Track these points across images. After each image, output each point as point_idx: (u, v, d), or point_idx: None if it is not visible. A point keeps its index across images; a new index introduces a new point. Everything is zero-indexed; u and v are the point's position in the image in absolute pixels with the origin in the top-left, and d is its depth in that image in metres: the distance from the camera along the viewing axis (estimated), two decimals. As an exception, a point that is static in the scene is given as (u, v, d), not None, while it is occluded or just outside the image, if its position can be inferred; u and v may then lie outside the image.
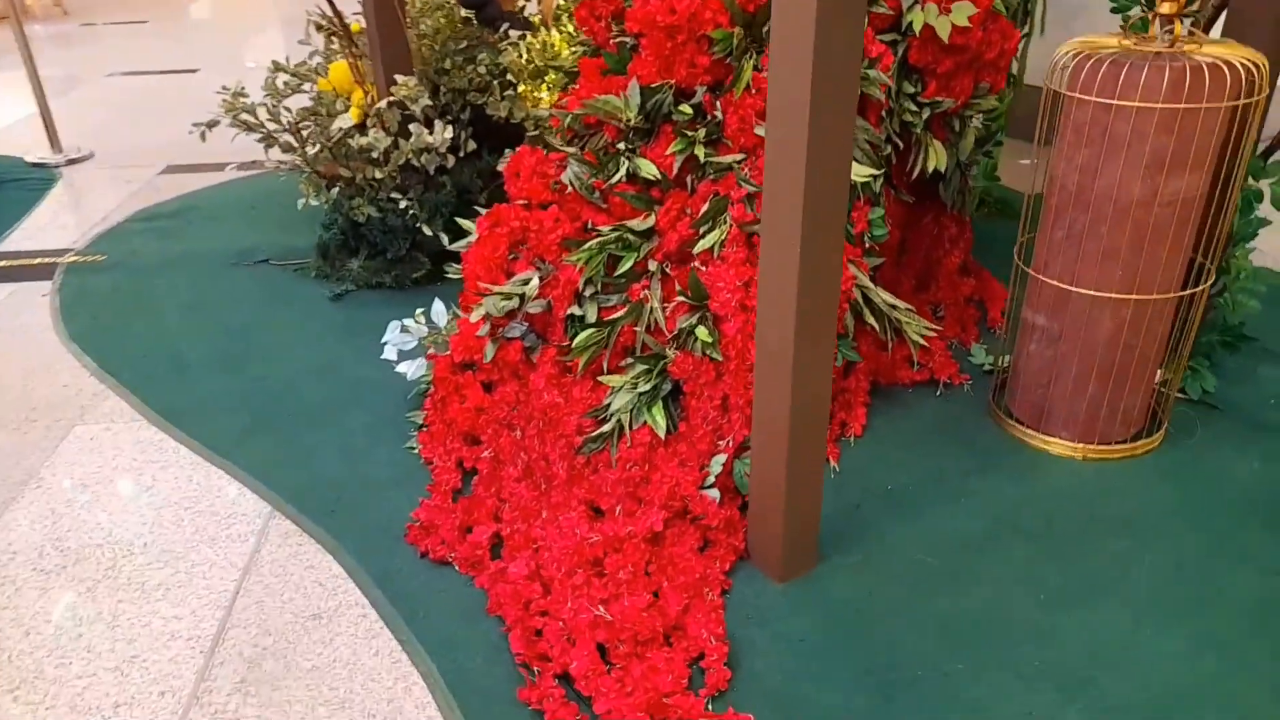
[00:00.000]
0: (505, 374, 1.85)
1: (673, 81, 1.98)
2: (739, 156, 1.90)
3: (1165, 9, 1.55)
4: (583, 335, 1.79)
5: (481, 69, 2.58)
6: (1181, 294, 1.70)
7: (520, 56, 2.74)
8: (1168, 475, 1.76)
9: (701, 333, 1.71)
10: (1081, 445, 1.81)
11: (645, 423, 1.69)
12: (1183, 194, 1.59)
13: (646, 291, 1.83)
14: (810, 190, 1.22)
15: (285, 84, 2.78)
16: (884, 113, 1.96)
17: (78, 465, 1.89)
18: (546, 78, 2.78)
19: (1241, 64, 1.50)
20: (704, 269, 1.80)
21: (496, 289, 1.87)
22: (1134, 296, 1.67)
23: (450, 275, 2.23)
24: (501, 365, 1.84)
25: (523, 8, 3.23)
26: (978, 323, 2.32)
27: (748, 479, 1.65)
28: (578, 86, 2.50)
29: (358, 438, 1.95)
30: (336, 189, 2.48)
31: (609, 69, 2.15)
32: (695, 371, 1.71)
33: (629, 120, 1.96)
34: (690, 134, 1.92)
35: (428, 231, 2.50)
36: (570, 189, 1.97)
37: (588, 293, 1.87)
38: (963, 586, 1.51)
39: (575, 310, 1.85)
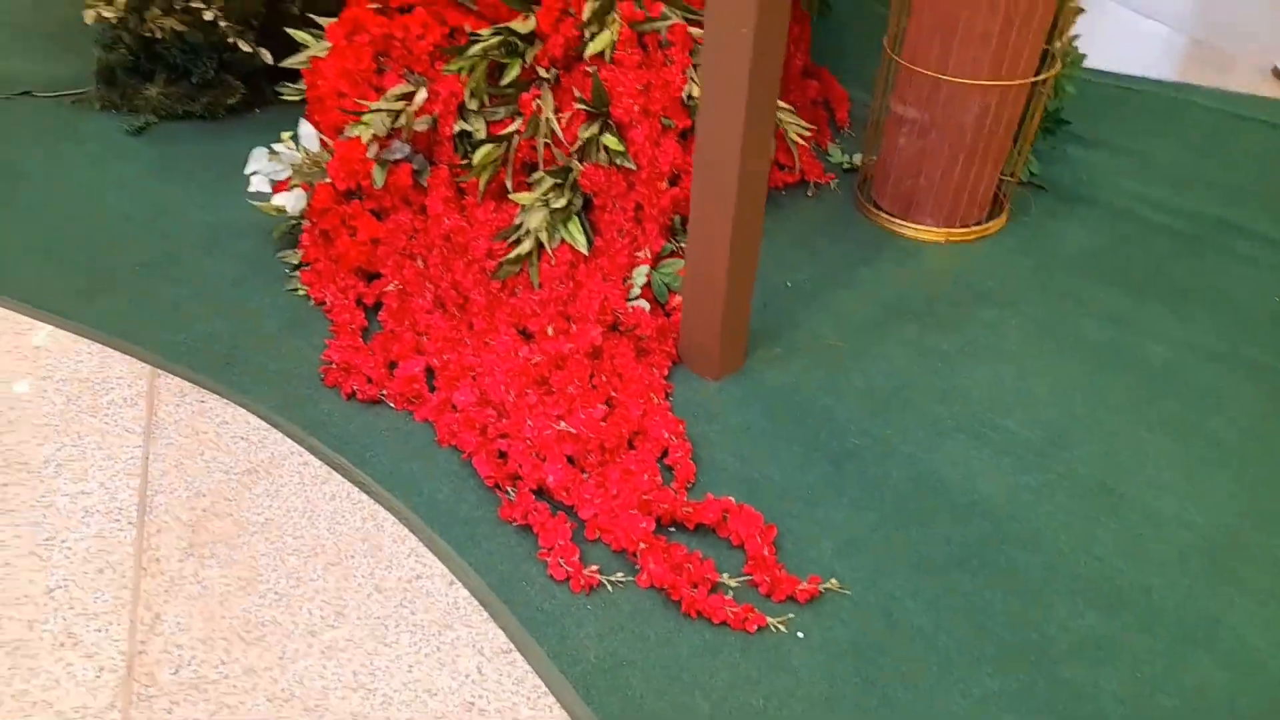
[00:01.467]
0: (396, 200, 1.71)
1: None
2: (617, -51, 1.80)
3: None
4: (481, 152, 1.68)
5: None
6: (1036, 79, 1.85)
7: None
8: (1017, 250, 1.98)
9: (610, 141, 1.66)
10: (945, 230, 1.99)
11: (563, 240, 1.65)
12: (1047, -18, 1.70)
13: (539, 101, 1.73)
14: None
15: None
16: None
17: (-124, 346, 1.58)
18: None
19: None
20: (594, 72, 1.72)
21: (374, 106, 1.70)
22: (1000, 82, 1.80)
23: (286, 97, 1.99)
24: (392, 191, 1.70)
25: None
26: (828, 124, 2.41)
27: (667, 287, 1.68)
28: None
29: (225, 287, 1.75)
30: (123, -3, 2.09)
31: None
32: (607, 183, 1.67)
33: (492, -91, 1.78)
34: (564, -76, 1.78)
35: (245, 48, 2.19)
36: (435, -11, 1.79)
37: (473, 106, 1.74)
38: (872, 363, 1.65)
39: (463, 125, 1.73)
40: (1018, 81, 1.81)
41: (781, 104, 1.97)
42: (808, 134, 2.03)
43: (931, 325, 1.76)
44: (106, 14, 2.08)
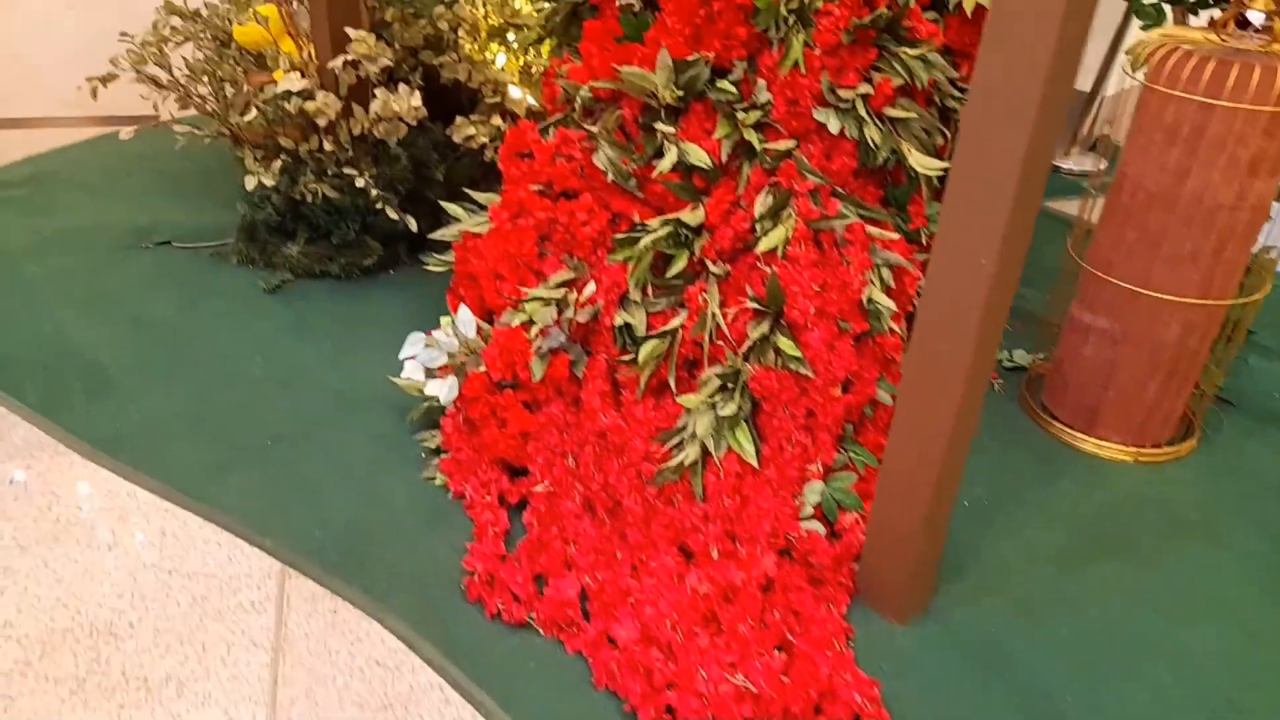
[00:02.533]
0: (550, 392, 1.61)
1: (710, 55, 1.77)
2: (791, 143, 1.73)
3: (1259, 5, 1.51)
4: (647, 348, 1.58)
5: (443, 24, 2.25)
6: (1247, 300, 1.70)
7: (477, 10, 2.42)
8: (1216, 475, 1.78)
9: (785, 344, 1.54)
10: (1134, 448, 1.80)
11: (729, 449, 1.51)
12: (1263, 197, 1.57)
13: (704, 295, 1.64)
14: (1024, 181, 1.07)
15: (173, 30, 2.32)
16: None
17: (2, 519, 1.49)
18: (509, 37, 2.48)
19: (1335, 70, 1.48)
20: (768, 270, 1.63)
21: (534, 293, 1.62)
22: (1209, 301, 1.65)
23: (432, 268, 1.94)
24: (547, 383, 1.59)
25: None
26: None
27: (839, 504, 1.52)
28: (562, 54, 2.25)
29: (359, 466, 1.65)
30: (280, 163, 2.10)
31: (624, 35, 1.91)
32: (778, 387, 1.54)
33: (664, 97, 1.74)
34: (739, 115, 1.72)
35: (392, 215, 2.17)
36: (605, 175, 1.73)
37: (635, 297, 1.65)
38: (1076, 607, 1.45)
39: (624, 317, 1.63)
40: (1228, 302, 1.66)
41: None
42: (978, 335, 1.89)
43: (1136, 563, 1.55)
44: (267, 181, 2.08)
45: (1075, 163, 3.34)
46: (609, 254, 1.68)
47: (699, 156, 1.68)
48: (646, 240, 1.63)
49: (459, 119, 2.35)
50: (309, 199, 2.14)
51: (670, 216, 1.67)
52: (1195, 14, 2.14)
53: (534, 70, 2.50)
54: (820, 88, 1.72)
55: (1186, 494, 1.72)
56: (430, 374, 1.61)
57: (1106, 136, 3.54)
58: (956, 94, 1.84)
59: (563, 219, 1.71)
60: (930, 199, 1.80)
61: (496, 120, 2.38)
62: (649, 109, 1.81)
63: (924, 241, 1.84)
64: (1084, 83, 3.23)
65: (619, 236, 1.68)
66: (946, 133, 1.87)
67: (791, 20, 1.75)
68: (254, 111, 2.04)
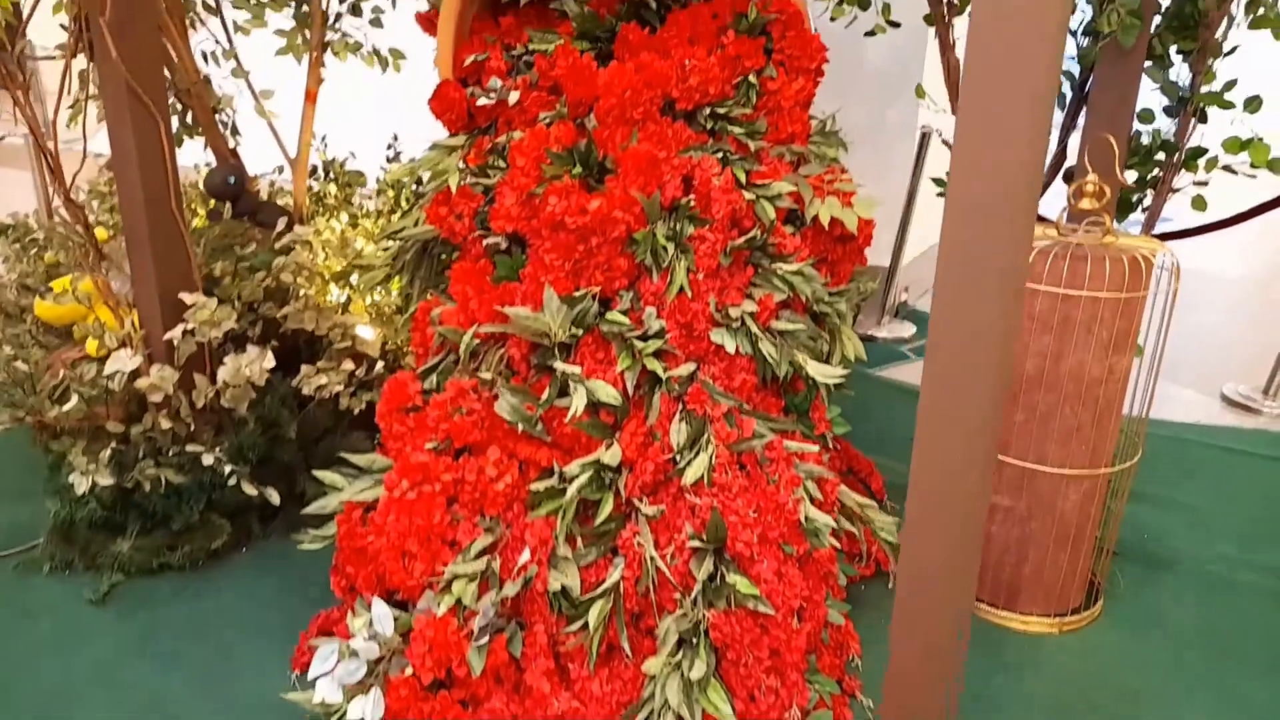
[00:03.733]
0: (489, 684, 1.40)
1: (597, 289, 1.75)
2: (692, 366, 1.71)
3: (1085, 205, 1.69)
4: (595, 610, 1.43)
5: (286, 275, 2.10)
6: (1130, 464, 1.81)
7: (315, 256, 2.30)
8: (1134, 636, 1.83)
9: (741, 583, 1.44)
10: (1056, 619, 1.83)
11: (704, 712, 1.37)
12: (1125, 369, 1.71)
13: (639, 539, 1.53)
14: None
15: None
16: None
17: None
18: (353, 279, 2.36)
19: (1151, 255, 1.67)
20: (699, 502, 1.55)
21: (454, 568, 1.44)
22: (1101, 471, 1.74)
23: (306, 545, 1.71)
24: (486, 673, 1.39)
25: (271, 195, 2.77)
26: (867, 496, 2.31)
27: (825, 749, 1.40)
28: (415, 293, 2.17)
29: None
30: (109, 451, 1.81)
31: (499, 275, 1.86)
32: (740, 632, 1.43)
33: (558, 336, 1.68)
34: (637, 345, 1.69)
35: (248, 490, 1.92)
36: (509, 423, 1.62)
37: (563, 552, 1.52)
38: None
39: (557, 578, 1.48)
40: (1118, 468, 1.77)
41: (864, 499, 1.85)
42: (895, 529, 1.90)
43: (1108, 748, 1.53)
44: (102, 479, 1.78)
45: (889, 330, 3.59)
46: (529, 509, 1.54)
47: (608, 393, 1.62)
48: (572, 489, 1.52)
49: (305, 368, 2.17)
50: (145, 486, 1.85)
51: (588, 459, 1.57)
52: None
53: (383, 308, 2.38)
54: (710, 310, 1.74)
55: (1121, 662, 1.75)
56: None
57: (905, 302, 3.88)
58: (827, 299, 1.91)
59: (470, 478, 1.57)
60: (829, 402, 1.83)
61: (348, 364, 2.22)
62: (540, 348, 1.74)
63: (830, 445, 1.85)
64: (881, 258, 3.53)
65: (536, 488, 1.56)
66: (827, 338, 1.93)
67: (670, 248, 1.77)
68: (74, 399, 1.77)
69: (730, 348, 1.71)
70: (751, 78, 2.06)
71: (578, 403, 1.59)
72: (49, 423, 1.85)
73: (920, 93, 2.28)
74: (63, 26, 2.23)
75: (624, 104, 1.99)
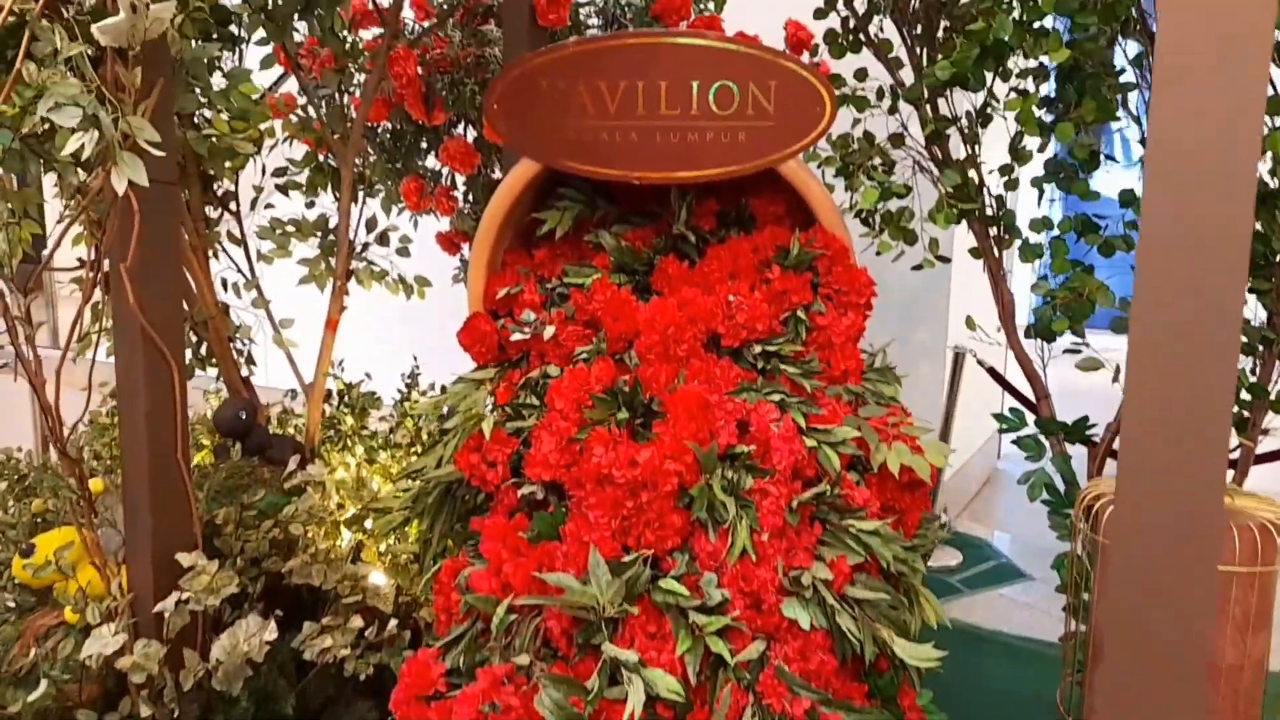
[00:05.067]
0: None
1: (650, 551, 1.56)
2: (761, 645, 1.49)
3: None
4: None
5: (295, 527, 1.91)
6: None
7: (326, 500, 2.11)
8: None
9: None
10: None
11: None
12: (1263, 649, 1.49)
13: None
14: None
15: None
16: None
17: None
18: (368, 524, 2.17)
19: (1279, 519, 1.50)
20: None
21: None
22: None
23: None
24: None
25: (281, 421, 2.62)
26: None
27: None
28: (436, 541, 1.97)
29: None
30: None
31: (538, 534, 1.67)
32: None
33: (608, 610, 1.47)
34: (698, 620, 1.47)
35: (236, 790, 1.63)
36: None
37: None
38: None
39: None
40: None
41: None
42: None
43: None
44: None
45: (934, 559, 3.36)
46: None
47: (669, 686, 1.38)
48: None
49: (308, 626, 1.93)
50: (113, 789, 1.57)
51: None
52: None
53: (398, 555, 2.17)
54: (780, 578, 1.53)
55: None
56: None
57: (946, 524, 3.66)
58: (906, 562, 1.71)
59: (507, 798, 1.30)
60: (921, 688, 1.59)
61: (356, 621, 1.98)
62: (583, 622, 1.52)
63: (924, 738, 1.59)
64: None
65: (588, 814, 1.29)
66: (905, 602, 1.72)
67: (730, 504, 1.59)
68: (43, 685, 1.52)
69: (804, 623, 1.50)
70: (800, 313, 1.97)
71: (634, 700, 1.35)
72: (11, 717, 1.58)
73: (970, 324, 2.19)
74: (80, 261, 2.16)
75: (667, 340, 1.88)
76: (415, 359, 3.01)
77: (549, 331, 2.03)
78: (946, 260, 2.10)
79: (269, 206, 2.53)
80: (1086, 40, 1.84)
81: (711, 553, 1.57)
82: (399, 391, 2.93)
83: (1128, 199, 2.01)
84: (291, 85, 3.08)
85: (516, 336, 2.05)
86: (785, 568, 1.56)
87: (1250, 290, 1.84)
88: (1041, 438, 2.05)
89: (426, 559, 2.07)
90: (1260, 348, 1.81)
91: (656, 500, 1.59)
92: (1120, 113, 1.91)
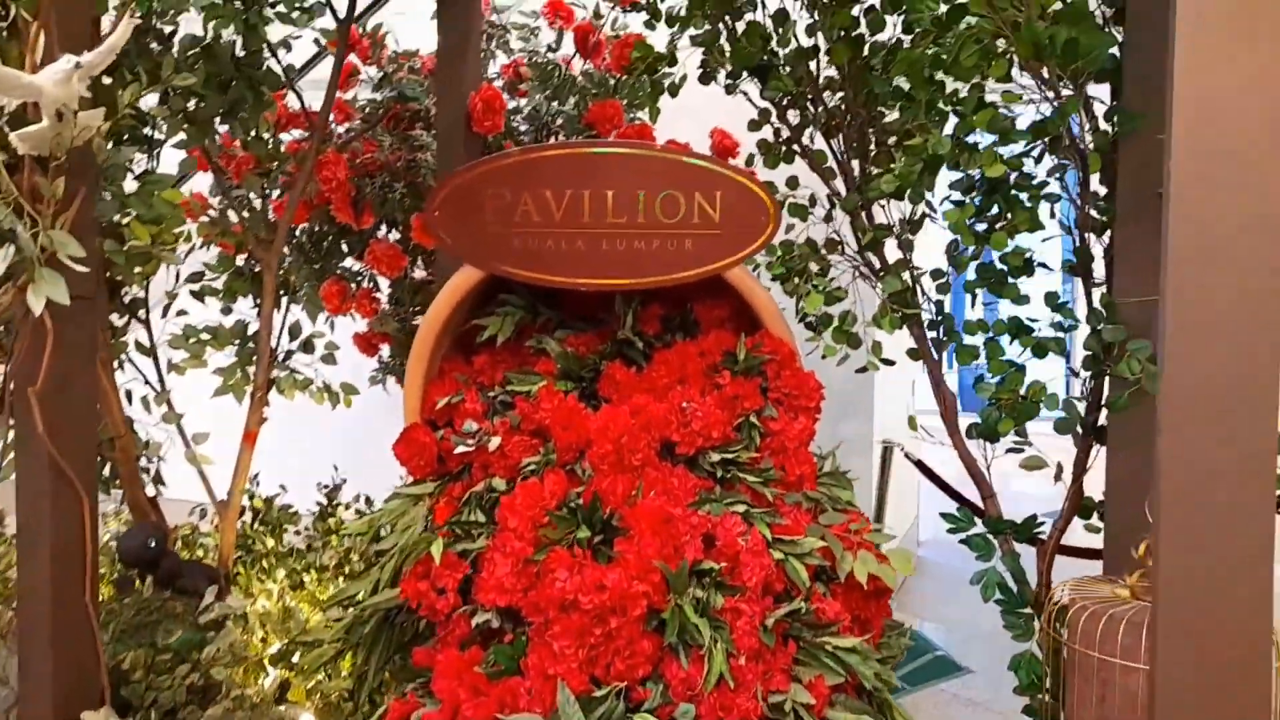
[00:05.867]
0: None
1: (623, 684, 1.46)
2: (745, 780, 1.40)
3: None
4: None
5: (218, 670, 1.72)
6: None
7: (249, 635, 1.93)
8: None
9: None
10: None
11: None
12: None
13: None
14: None
15: None
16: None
17: None
18: (294, 658, 1.99)
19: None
20: None
21: None
22: None
23: None
24: None
25: (190, 543, 2.41)
26: None
27: None
28: (371, 674, 1.83)
29: None
30: None
31: (498, 668, 1.55)
32: None
33: (580, 755, 1.36)
34: (677, 761, 1.38)
35: None
36: None
37: None
38: None
39: None
40: None
41: None
42: None
43: None
44: None
45: (870, 657, 3.32)
46: None
47: (655, 836, 1.28)
48: None
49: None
50: None
51: None
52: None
53: (330, 692, 1.99)
54: (760, 707, 1.46)
55: None
56: None
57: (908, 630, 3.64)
58: (883, 678, 1.67)
59: None
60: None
61: (282, 773, 1.79)
62: (553, 767, 1.41)
63: None
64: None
65: None
66: None
67: (704, 626, 1.52)
68: None
69: (789, 753, 1.43)
70: (753, 418, 1.95)
71: None
72: None
73: (913, 424, 2.21)
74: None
75: (621, 449, 1.83)
76: (336, 468, 2.85)
77: (494, 442, 1.95)
78: (891, 363, 2.14)
79: (182, 313, 2.38)
80: (1015, 158, 1.94)
81: (686, 680, 1.49)
82: (318, 505, 2.75)
83: (1053, 302, 2.10)
84: (198, 183, 2.96)
85: (461, 449, 1.95)
86: (764, 692, 1.49)
87: None
88: (990, 537, 2.06)
89: (362, 695, 1.91)
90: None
91: (626, 626, 1.51)
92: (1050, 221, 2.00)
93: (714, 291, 2.14)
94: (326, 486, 2.81)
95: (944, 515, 2.12)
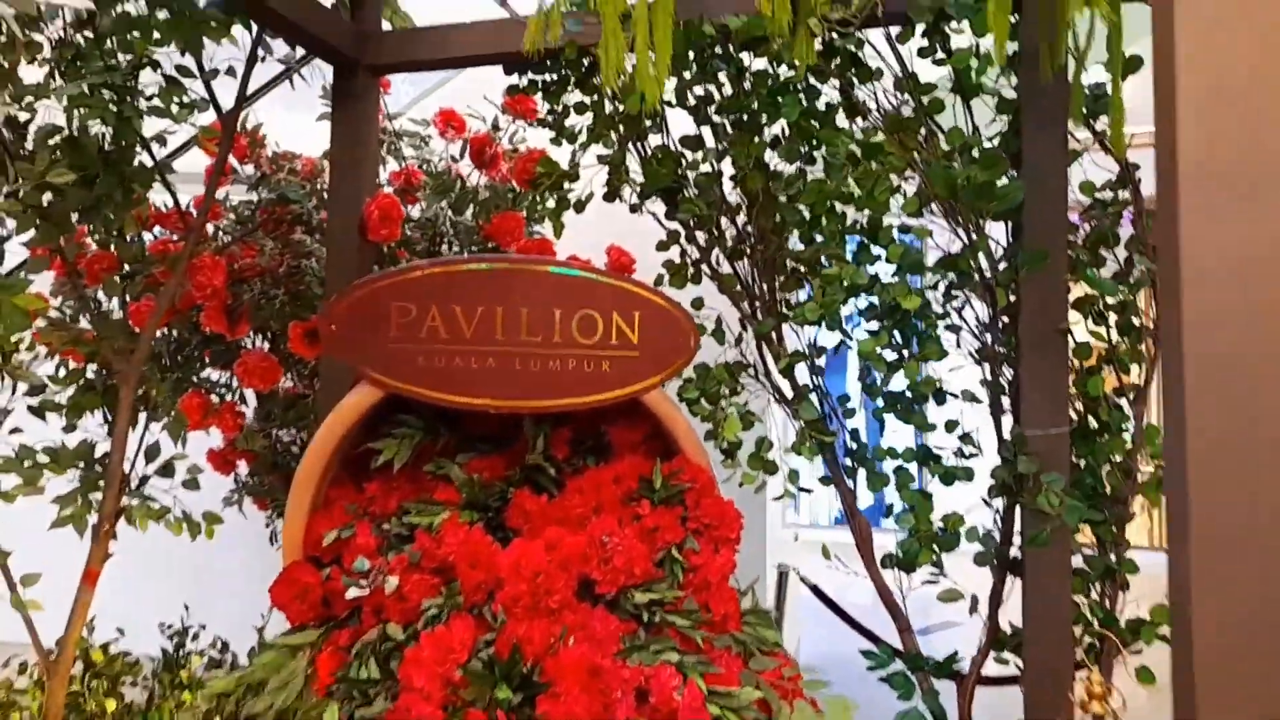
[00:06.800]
0: None
1: None
2: None
3: (1098, 709, 1.53)
4: None
5: None
6: None
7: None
8: None
9: None
10: None
11: None
12: None
13: None
14: None
15: None
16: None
17: None
18: None
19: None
20: None
21: None
22: None
23: None
24: None
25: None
26: None
27: None
28: None
29: None
30: None
31: None
32: None
33: None
34: None
35: None
36: None
37: None
38: None
39: None
40: None
41: None
42: None
43: None
44: None
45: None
46: None
47: None
48: None
49: None
50: None
51: None
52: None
53: None
54: None
55: None
56: None
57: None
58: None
59: None
60: None
61: None
62: None
63: None
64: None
65: None
66: None
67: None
68: None
69: None
70: (675, 552, 1.84)
71: None
72: None
73: (826, 553, 2.17)
74: None
75: (536, 590, 1.68)
76: (186, 608, 2.51)
77: (392, 583, 1.75)
78: (809, 491, 2.09)
79: (15, 431, 2.06)
80: (918, 291, 1.98)
81: None
82: (163, 651, 2.40)
83: (952, 427, 2.13)
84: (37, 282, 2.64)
85: (353, 591, 1.74)
86: None
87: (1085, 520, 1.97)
88: (909, 674, 2.01)
89: None
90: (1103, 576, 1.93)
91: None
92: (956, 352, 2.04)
93: (628, 414, 2.05)
94: (171, 628, 2.46)
95: (864, 653, 2.06)
